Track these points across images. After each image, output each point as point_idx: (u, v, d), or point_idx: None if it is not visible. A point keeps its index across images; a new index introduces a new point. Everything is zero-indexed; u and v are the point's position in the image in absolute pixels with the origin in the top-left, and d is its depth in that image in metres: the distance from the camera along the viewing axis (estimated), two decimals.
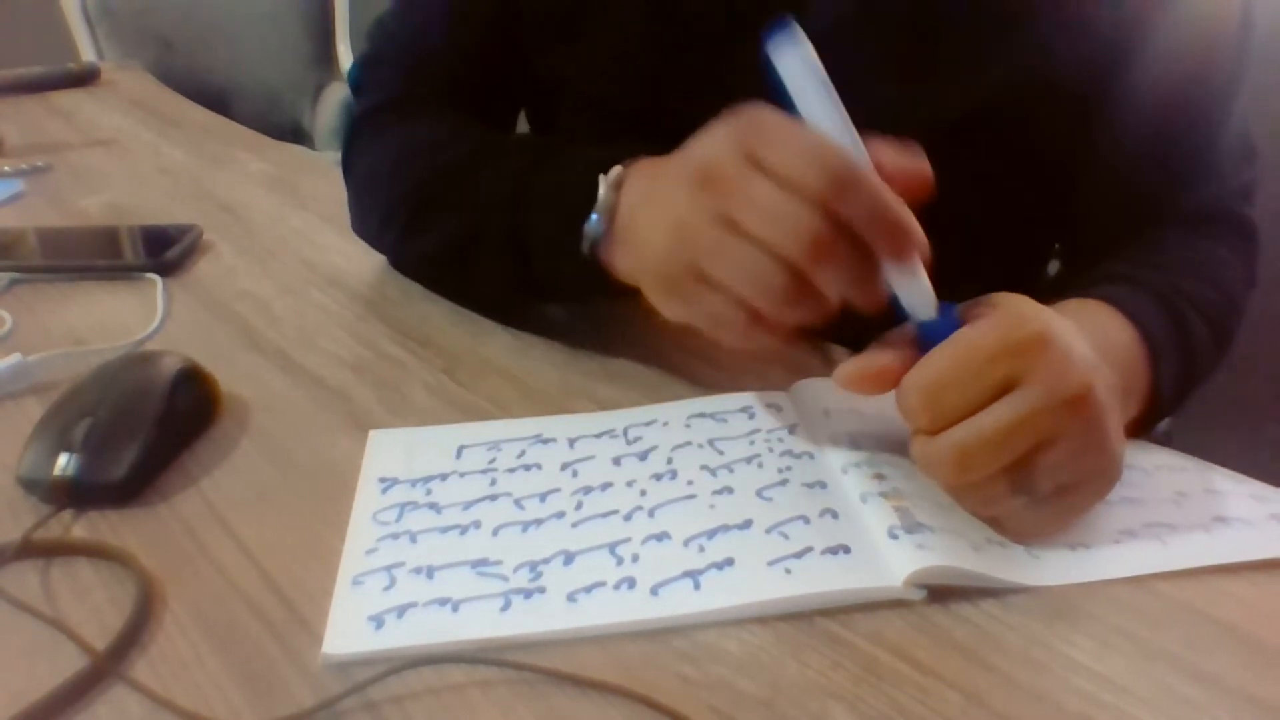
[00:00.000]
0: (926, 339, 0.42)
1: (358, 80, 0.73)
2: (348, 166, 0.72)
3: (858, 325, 0.43)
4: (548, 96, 0.72)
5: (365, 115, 0.71)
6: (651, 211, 0.48)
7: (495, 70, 0.70)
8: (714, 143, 0.44)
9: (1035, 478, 0.40)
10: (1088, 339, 0.41)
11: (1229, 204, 0.63)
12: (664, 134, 0.48)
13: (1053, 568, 0.41)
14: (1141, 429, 0.51)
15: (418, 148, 0.65)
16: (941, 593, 0.39)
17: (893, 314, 0.43)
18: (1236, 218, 0.63)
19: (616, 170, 0.51)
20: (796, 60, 0.40)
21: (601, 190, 0.51)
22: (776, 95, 0.42)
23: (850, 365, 0.43)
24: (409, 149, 0.66)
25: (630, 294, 0.50)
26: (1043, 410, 0.39)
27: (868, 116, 0.59)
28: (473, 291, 0.64)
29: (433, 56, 0.70)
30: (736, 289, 0.43)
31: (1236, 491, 0.46)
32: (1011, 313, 0.41)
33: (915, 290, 0.42)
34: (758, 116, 0.43)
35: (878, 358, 0.43)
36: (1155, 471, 0.48)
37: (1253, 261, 0.62)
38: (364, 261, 0.73)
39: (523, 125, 0.80)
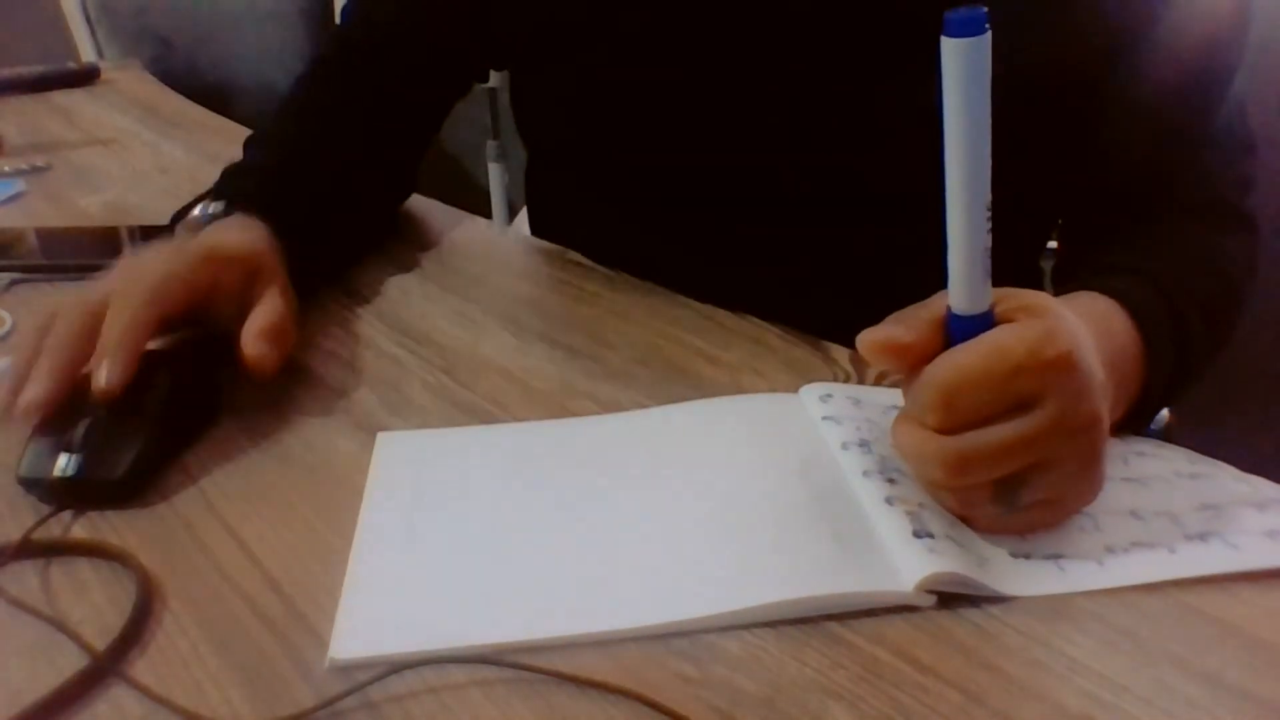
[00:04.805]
0: (956, 330, 0.40)
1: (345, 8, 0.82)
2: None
3: (856, 326, 0.43)
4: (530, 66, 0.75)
5: (327, 42, 0.81)
6: None
7: (452, 50, 0.76)
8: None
9: (1021, 491, 0.40)
10: (1094, 341, 0.41)
11: (1227, 194, 0.62)
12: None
13: (1063, 582, 0.40)
14: (1124, 431, 0.51)
15: (306, 95, 0.77)
16: (943, 593, 0.39)
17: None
18: (1236, 208, 0.62)
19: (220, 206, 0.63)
20: (967, 56, 0.37)
21: (211, 208, 0.63)
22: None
23: (876, 334, 0.41)
24: (303, 90, 0.77)
25: None
26: (1052, 435, 0.39)
27: (867, 102, 0.59)
28: None
29: (391, 28, 0.77)
30: None
31: (1234, 502, 0.45)
32: (1044, 325, 0.39)
33: (972, 284, 0.40)
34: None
35: (904, 334, 0.41)
36: (1152, 481, 0.47)
37: (1254, 253, 0.62)
38: (364, 261, 0.73)
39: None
